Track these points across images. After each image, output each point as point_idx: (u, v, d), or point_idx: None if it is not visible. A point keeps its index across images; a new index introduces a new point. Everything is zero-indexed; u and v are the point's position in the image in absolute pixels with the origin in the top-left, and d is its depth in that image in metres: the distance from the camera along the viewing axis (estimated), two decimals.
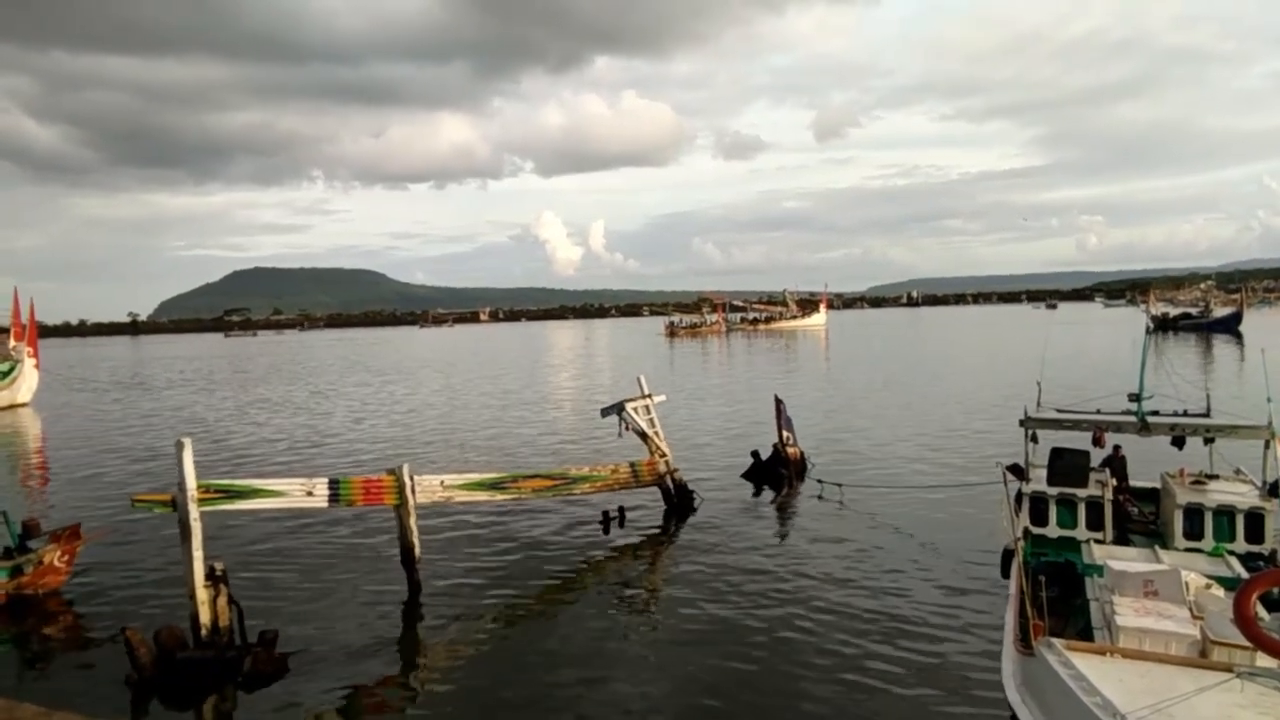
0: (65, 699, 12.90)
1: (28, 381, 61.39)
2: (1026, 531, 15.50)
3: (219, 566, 14.56)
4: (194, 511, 14.42)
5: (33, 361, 61.81)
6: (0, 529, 18.61)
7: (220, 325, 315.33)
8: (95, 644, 15.74)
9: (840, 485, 25.24)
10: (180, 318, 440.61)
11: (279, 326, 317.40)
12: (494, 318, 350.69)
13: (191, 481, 14.47)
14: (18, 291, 62.76)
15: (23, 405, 59.53)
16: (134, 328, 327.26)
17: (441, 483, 19.12)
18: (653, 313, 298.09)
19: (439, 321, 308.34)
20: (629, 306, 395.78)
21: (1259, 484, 15.85)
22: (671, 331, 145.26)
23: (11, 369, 60.09)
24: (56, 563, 18.16)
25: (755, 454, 27.99)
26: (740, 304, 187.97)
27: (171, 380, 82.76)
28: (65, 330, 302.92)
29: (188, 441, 14.68)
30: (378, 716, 13.10)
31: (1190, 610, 10.72)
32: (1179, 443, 17.30)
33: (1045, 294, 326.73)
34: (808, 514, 23.60)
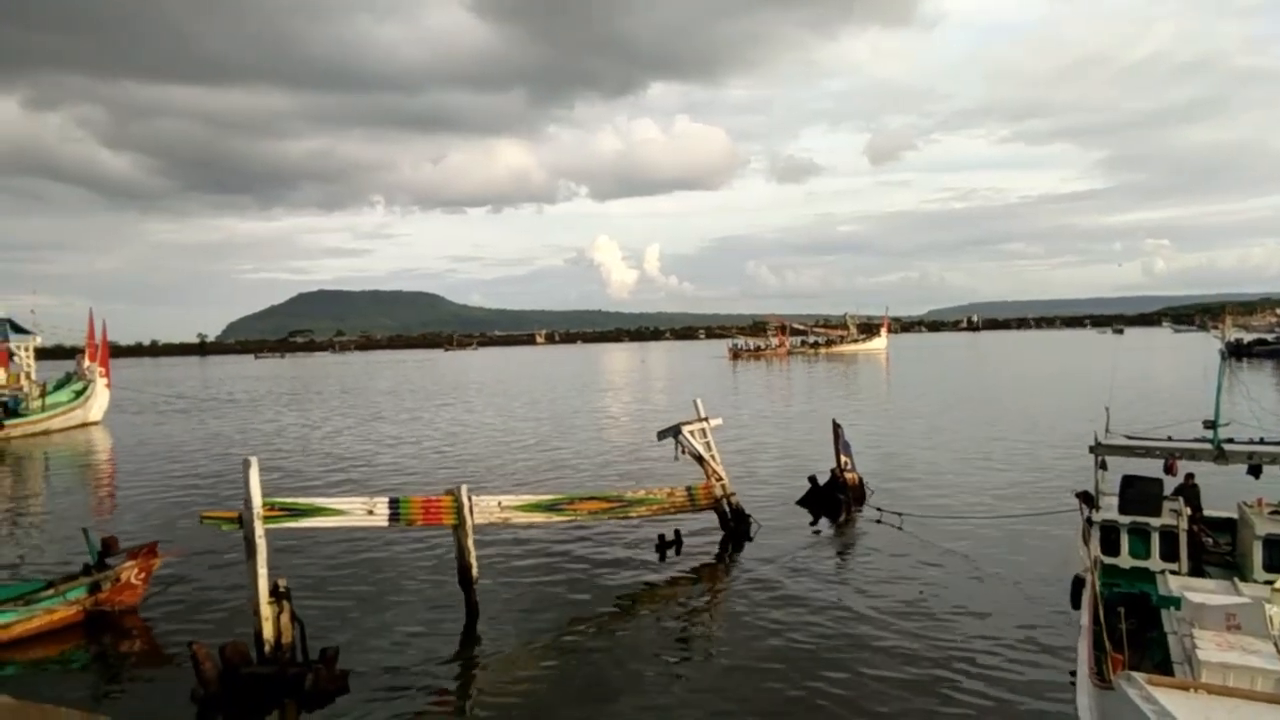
0: (136, 713, 13.19)
1: (99, 400, 63.25)
2: (1097, 561, 15.06)
3: (282, 583, 14.75)
4: (259, 529, 14.65)
5: (104, 381, 63.73)
6: (81, 546, 19.11)
7: (291, 346, 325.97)
8: (165, 659, 16.08)
9: (900, 514, 24.81)
10: (246, 338, 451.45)
11: (309, 349, 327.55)
12: (550, 340, 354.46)
13: (258, 499, 14.72)
14: (92, 313, 65.03)
15: (95, 424, 61.32)
16: (202, 348, 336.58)
17: (499, 504, 19.21)
18: (709, 336, 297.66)
19: (463, 345, 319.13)
20: (684, 330, 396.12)
21: None
22: (735, 354, 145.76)
23: (85, 388, 62.02)
24: (133, 580, 18.53)
25: (813, 479, 27.65)
26: (800, 327, 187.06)
27: (199, 400, 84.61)
28: (137, 350, 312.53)
29: (254, 460, 14.93)
30: None
31: (1276, 645, 10.29)
32: (1255, 471, 16.69)
33: (1110, 319, 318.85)
34: (867, 541, 23.21)
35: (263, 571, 14.53)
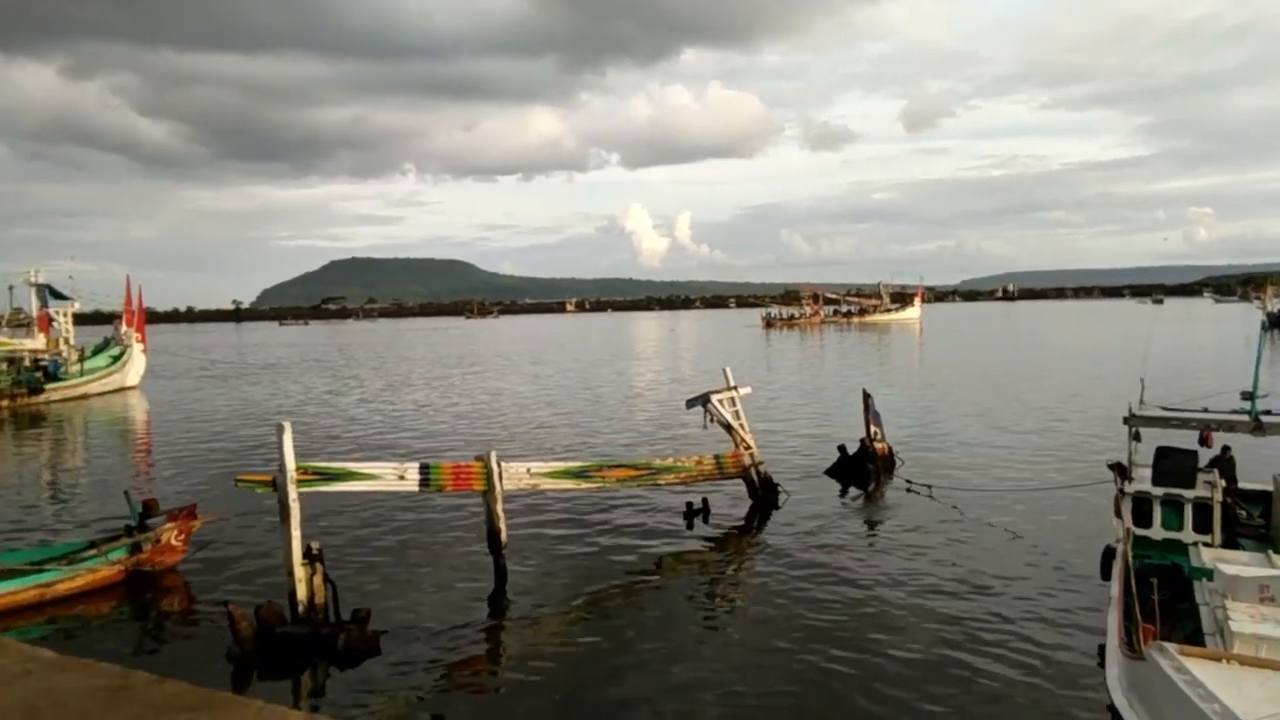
0: (174, 669, 13.44)
1: (136, 365, 64.25)
2: (1129, 532, 14.94)
3: (315, 545, 15.00)
4: (293, 492, 14.86)
5: (141, 346, 64.69)
6: (122, 507, 19.53)
7: (317, 313, 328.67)
8: (203, 618, 16.40)
9: (930, 485, 24.70)
10: (280, 305, 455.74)
11: (341, 316, 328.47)
12: (580, 308, 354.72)
13: (291, 463, 14.91)
14: (129, 279, 65.89)
15: (131, 388, 62.33)
16: (237, 314, 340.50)
17: (528, 470, 19.35)
18: (739, 305, 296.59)
19: (484, 313, 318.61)
20: (714, 299, 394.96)
21: None
22: (768, 323, 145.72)
23: (122, 353, 63.00)
24: (173, 541, 18.88)
25: (842, 448, 27.56)
26: (834, 296, 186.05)
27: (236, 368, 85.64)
28: (174, 316, 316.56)
29: (288, 425, 15.12)
30: (466, 696, 13.35)
31: None
32: None
33: (1149, 288, 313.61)
34: (896, 512, 23.15)
35: (296, 534, 14.76)
